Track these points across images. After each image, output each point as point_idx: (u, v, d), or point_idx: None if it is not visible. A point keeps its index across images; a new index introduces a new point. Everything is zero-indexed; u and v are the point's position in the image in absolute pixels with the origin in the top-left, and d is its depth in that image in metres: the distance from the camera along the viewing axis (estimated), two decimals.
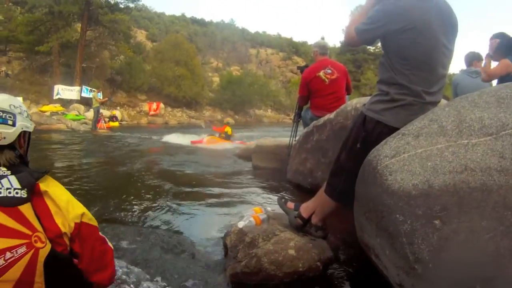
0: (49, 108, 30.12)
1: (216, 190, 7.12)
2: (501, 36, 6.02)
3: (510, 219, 2.22)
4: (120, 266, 3.44)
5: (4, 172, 2.10)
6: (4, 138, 2.17)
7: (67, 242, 2.17)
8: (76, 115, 29.83)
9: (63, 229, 2.11)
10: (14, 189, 2.04)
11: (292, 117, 8.73)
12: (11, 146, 2.24)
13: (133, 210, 5.61)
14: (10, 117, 2.21)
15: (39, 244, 2.00)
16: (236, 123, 44.48)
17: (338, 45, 72.54)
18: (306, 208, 3.91)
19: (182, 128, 28.73)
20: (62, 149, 14.30)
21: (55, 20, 36.71)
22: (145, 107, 42.00)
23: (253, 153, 9.67)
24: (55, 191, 2.20)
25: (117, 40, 41.58)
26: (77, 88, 34.93)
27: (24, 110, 2.35)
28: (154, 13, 76.70)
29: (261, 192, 6.93)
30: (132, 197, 6.35)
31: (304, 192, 6.20)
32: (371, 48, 62.50)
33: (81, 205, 2.28)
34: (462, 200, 2.32)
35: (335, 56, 58.80)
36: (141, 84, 43.89)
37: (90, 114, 27.15)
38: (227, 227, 4.49)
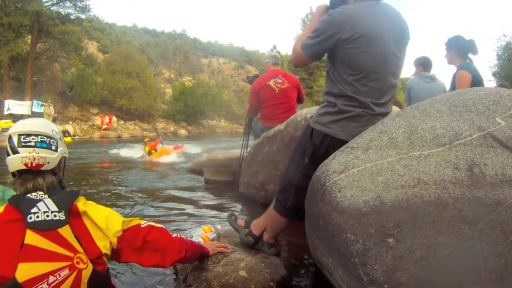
0: None
1: (165, 207, 6.93)
2: (455, 39, 5.97)
3: (468, 233, 2.13)
4: None
5: (41, 196, 2.17)
6: (48, 163, 2.26)
7: (106, 261, 2.25)
8: None
9: (103, 250, 2.18)
10: (52, 212, 2.09)
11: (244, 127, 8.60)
12: (52, 171, 2.33)
13: None
14: (54, 142, 2.33)
15: (81, 265, 2.06)
16: (189, 134, 44.43)
17: (290, 53, 72.77)
18: (256, 225, 3.78)
19: (136, 141, 28.31)
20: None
21: (5, 32, 35.76)
22: (98, 121, 41.33)
23: (204, 167, 9.50)
24: (93, 211, 2.26)
25: (68, 52, 40.83)
26: (28, 102, 33.96)
27: (61, 136, 2.43)
28: (105, 24, 75.60)
29: (212, 207, 6.73)
30: None
31: (257, 205, 6.09)
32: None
33: (118, 217, 2.39)
34: (416, 216, 2.21)
35: (287, 64, 59.16)
36: (92, 97, 43.22)
37: None
38: None
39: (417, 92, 6.98)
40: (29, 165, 2.19)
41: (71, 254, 2.03)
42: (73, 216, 2.16)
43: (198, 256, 3.14)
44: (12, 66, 37.22)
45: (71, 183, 9.37)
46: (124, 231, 2.35)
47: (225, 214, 5.39)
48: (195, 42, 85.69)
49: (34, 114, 32.18)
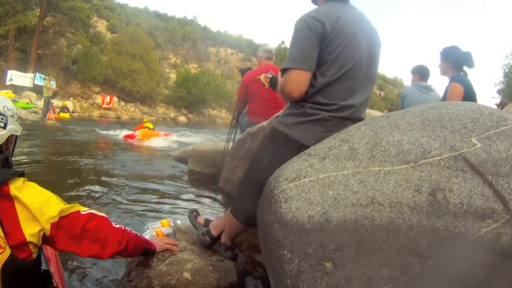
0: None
1: (138, 194, 6.81)
2: (451, 50, 5.72)
3: (417, 269, 1.88)
4: None
5: None
6: None
7: (32, 250, 2.09)
8: (27, 104, 28.78)
9: (28, 238, 2.04)
10: None
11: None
12: None
13: None
14: (2, 119, 2.23)
15: None
16: (189, 121, 44.49)
17: None
18: (215, 225, 3.58)
19: (135, 124, 28.28)
20: None
21: (14, 3, 35.82)
22: (99, 99, 41.38)
23: (189, 157, 9.41)
24: (28, 195, 2.10)
25: (75, 28, 40.84)
26: (31, 75, 34.06)
27: (15, 113, 2.35)
28: (117, 3, 75.68)
29: (186, 200, 6.61)
30: None
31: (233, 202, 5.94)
32: None
33: (58, 202, 2.23)
34: (362, 240, 1.96)
35: None
36: (96, 75, 43.20)
37: (41, 103, 26.19)
38: None
39: (410, 101, 6.76)
40: None
41: None
42: (2, 198, 2.02)
43: (142, 251, 2.96)
44: (18, 37, 37.43)
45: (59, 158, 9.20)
46: (61, 217, 2.18)
47: (202, 206, 5.24)
48: (205, 30, 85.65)
49: (36, 87, 32.26)
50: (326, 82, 2.83)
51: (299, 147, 2.76)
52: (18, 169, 2.20)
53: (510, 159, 2.12)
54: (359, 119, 2.98)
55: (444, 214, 1.97)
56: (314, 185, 2.20)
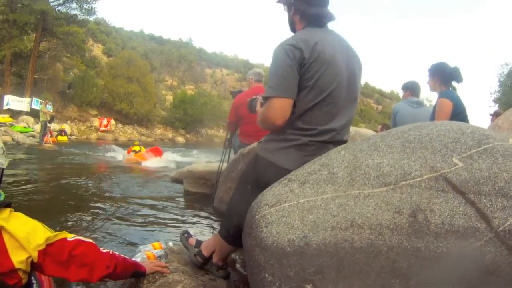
0: None
1: (133, 216, 6.74)
2: (439, 66, 5.73)
3: None
4: None
5: None
6: None
7: (22, 276, 2.16)
8: (24, 128, 29.00)
9: (17, 265, 2.10)
10: None
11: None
12: None
13: None
14: None
15: None
16: (187, 142, 44.49)
17: None
18: (207, 246, 3.58)
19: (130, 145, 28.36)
20: None
21: (10, 28, 36.29)
22: (96, 122, 41.54)
23: (184, 178, 9.45)
24: (14, 225, 2.18)
25: (71, 53, 41.14)
26: (27, 99, 34.38)
27: (1, 147, 2.41)
28: (112, 27, 76.12)
29: (181, 220, 6.58)
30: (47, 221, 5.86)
31: None
32: None
33: (44, 231, 2.30)
34: (342, 262, 1.97)
35: None
36: (92, 99, 43.41)
37: (39, 127, 26.31)
38: None
39: (402, 117, 6.79)
40: None
41: None
42: None
43: (132, 274, 2.98)
44: (14, 62, 37.80)
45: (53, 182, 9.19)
46: (48, 245, 2.24)
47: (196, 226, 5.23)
48: (200, 52, 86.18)
49: (33, 111, 32.40)
50: (305, 108, 2.83)
51: (281, 172, 2.76)
52: (5, 200, 2.23)
53: (492, 177, 2.11)
54: (342, 142, 2.98)
55: (425, 234, 1.97)
56: (294, 210, 2.21)
